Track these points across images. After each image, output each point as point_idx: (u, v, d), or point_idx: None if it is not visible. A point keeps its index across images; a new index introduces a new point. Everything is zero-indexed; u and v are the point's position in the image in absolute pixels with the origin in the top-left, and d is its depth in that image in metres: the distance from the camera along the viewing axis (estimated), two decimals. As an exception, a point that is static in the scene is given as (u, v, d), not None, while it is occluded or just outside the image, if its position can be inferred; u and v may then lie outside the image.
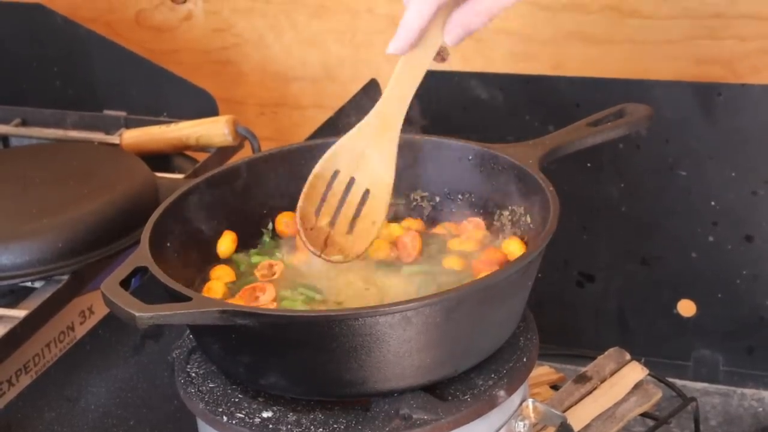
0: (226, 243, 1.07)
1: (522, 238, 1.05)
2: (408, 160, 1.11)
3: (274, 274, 1.04)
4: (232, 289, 1.03)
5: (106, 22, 1.81)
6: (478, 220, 1.10)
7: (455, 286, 0.91)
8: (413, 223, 1.11)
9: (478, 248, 1.06)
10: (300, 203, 1.04)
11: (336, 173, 1.04)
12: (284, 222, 1.10)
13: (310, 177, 1.04)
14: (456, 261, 1.04)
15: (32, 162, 1.41)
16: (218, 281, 1.03)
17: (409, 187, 1.12)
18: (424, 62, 1.02)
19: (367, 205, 1.05)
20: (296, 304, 0.99)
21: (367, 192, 1.04)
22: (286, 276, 1.04)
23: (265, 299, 1.00)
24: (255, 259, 1.07)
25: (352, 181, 1.04)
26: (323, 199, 1.04)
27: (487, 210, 1.09)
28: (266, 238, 1.10)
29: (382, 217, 1.04)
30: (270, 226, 1.11)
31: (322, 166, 1.04)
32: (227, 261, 1.07)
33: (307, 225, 1.04)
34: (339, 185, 1.04)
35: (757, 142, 1.42)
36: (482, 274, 0.97)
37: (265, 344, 0.91)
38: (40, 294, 1.22)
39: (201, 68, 1.80)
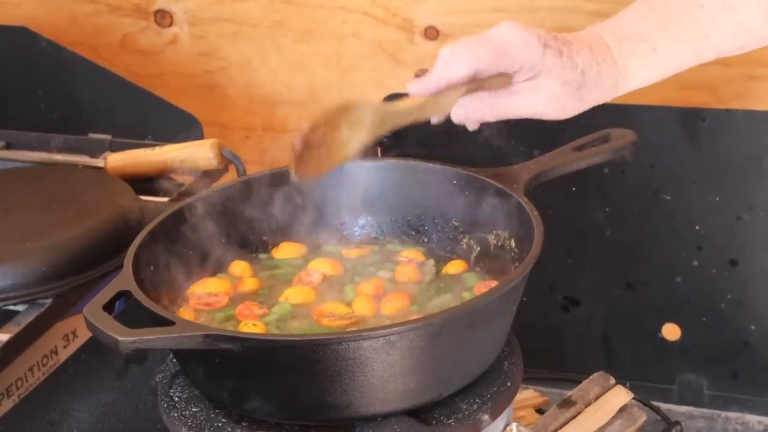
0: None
1: (506, 262, 1.05)
2: (393, 185, 1.11)
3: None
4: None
5: (91, 45, 1.81)
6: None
7: (439, 311, 0.91)
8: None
9: None
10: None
11: None
12: (194, 295, 1.07)
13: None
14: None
15: (16, 185, 1.41)
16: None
17: (395, 211, 1.12)
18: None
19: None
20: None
21: None
22: None
23: None
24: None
25: None
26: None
27: (471, 234, 1.09)
28: None
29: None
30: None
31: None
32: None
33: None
34: None
35: (741, 168, 1.42)
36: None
37: (249, 368, 0.91)
38: (23, 317, 1.21)
39: (186, 92, 1.80)
